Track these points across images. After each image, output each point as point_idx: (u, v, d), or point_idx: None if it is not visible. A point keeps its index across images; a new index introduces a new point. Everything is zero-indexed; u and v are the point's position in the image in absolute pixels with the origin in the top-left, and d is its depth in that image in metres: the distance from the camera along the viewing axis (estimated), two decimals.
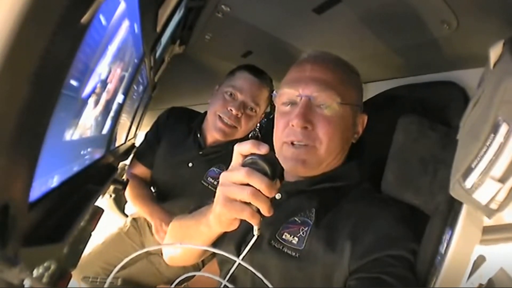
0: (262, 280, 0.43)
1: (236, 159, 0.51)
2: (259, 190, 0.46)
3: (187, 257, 0.74)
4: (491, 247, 0.52)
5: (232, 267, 0.57)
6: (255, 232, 0.52)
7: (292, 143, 0.64)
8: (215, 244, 0.64)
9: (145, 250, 0.49)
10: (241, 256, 0.50)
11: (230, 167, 0.52)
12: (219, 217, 0.52)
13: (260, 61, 1.18)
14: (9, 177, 0.26)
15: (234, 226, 0.53)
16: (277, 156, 0.65)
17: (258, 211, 0.48)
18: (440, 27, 0.59)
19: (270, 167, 0.48)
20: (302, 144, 0.63)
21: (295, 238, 0.60)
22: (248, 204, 0.48)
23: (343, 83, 0.65)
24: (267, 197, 0.47)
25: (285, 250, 0.59)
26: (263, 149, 0.48)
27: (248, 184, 0.47)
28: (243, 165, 0.49)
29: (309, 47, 0.95)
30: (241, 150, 0.51)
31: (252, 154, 0.49)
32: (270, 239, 0.61)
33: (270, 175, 0.47)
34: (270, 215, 0.48)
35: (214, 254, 0.55)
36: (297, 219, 0.62)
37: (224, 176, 0.50)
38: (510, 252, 0.53)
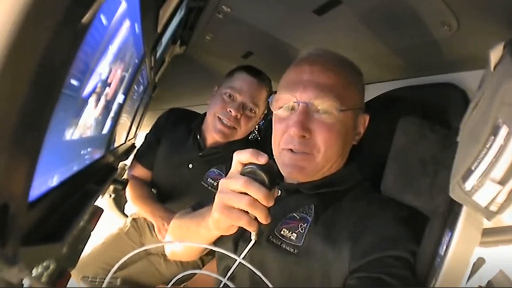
0: (261, 278, 0.43)
1: (235, 166, 0.52)
2: (256, 200, 0.47)
3: (188, 253, 0.75)
4: (490, 249, 0.52)
5: (230, 262, 0.57)
6: (253, 237, 0.53)
7: (291, 150, 0.62)
8: None
9: (144, 248, 0.49)
10: (241, 256, 0.51)
11: (229, 174, 0.52)
12: (217, 223, 0.52)
13: (260, 61, 1.18)
14: (9, 176, 0.26)
15: (232, 231, 0.54)
16: (275, 160, 0.65)
17: (255, 218, 0.49)
18: (441, 29, 0.59)
19: (268, 177, 0.48)
20: (300, 152, 0.62)
21: (293, 234, 0.60)
22: (246, 212, 0.48)
23: (344, 87, 0.62)
24: (265, 206, 0.48)
25: (284, 246, 0.59)
26: (262, 159, 0.49)
27: (246, 193, 0.47)
28: (242, 173, 0.49)
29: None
30: (240, 158, 0.51)
31: (251, 163, 0.50)
32: (269, 235, 0.61)
33: (268, 185, 0.48)
34: (267, 223, 0.49)
35: (214, 251, 0.56)
36: (296, 215, 0.62)
37: (223, 183, 0.51)
38: (510, 254, 0.53)
